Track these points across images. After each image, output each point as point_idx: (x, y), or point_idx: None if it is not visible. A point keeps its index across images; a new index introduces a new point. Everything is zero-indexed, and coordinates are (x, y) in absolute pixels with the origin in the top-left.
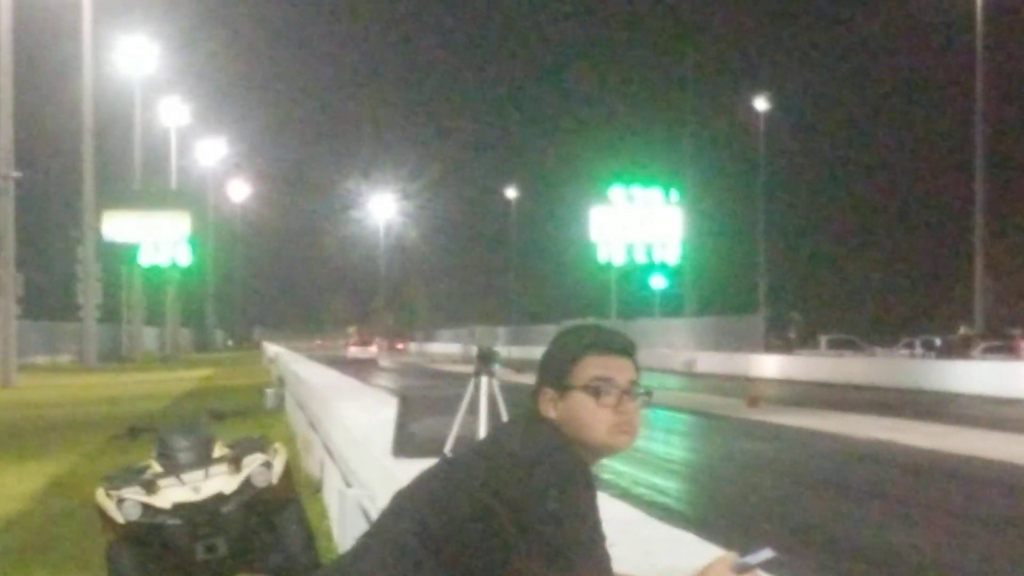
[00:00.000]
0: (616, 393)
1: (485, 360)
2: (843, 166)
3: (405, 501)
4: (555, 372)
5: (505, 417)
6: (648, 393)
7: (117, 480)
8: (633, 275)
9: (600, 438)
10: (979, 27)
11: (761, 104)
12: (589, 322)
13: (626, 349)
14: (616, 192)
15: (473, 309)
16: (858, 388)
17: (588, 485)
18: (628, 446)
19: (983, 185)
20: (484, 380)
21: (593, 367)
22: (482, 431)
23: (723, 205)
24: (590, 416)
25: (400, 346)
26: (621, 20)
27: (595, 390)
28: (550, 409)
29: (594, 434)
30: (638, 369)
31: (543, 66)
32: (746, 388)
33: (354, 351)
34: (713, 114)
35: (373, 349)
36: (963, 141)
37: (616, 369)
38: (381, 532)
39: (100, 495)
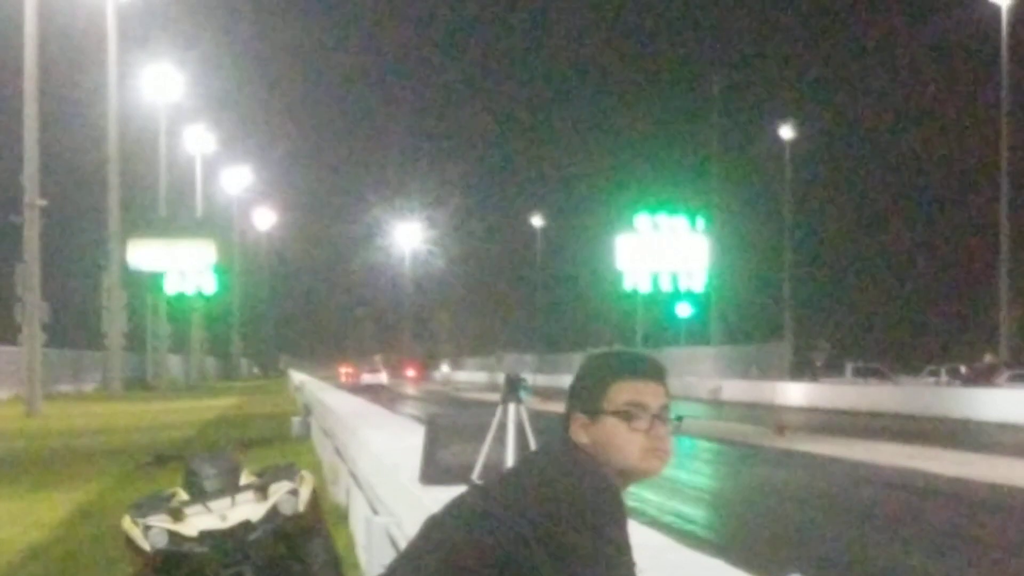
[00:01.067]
0: (648, 418)
1: (512, 387)
2: (869, 194)
3: (435, 529)
4: (586, 397)
5: (533, 444)
6: (679, 419)
7: (144, 508)
8: (659, 303)
9: (632, 463)
10: (1004, 52)
11: (787, 132)
12: (618, 348)
13: (658, 374)
14: (642, 220)
15: (499, 337)
16: (884, 416)
17: (620, 512)
18: (660, 471)
19: (1008, 212)
20: (512, 407)
21: (625, 392)
22: (510, 458)
23: (749, 233)
24: (623, 441)
25: (411, 373)
26: (648, 47)
27: (627, 415)
28: (581, 435)
29: (627, 459)
30: (669, 394)
31: (570, 94)
32: (772, 416)
33: (367, 378)
34: (739, 142)
35: (382, 376)
36: (990, 168)
37: (648, 394)
38: (411, 560)
39: (126, 523)
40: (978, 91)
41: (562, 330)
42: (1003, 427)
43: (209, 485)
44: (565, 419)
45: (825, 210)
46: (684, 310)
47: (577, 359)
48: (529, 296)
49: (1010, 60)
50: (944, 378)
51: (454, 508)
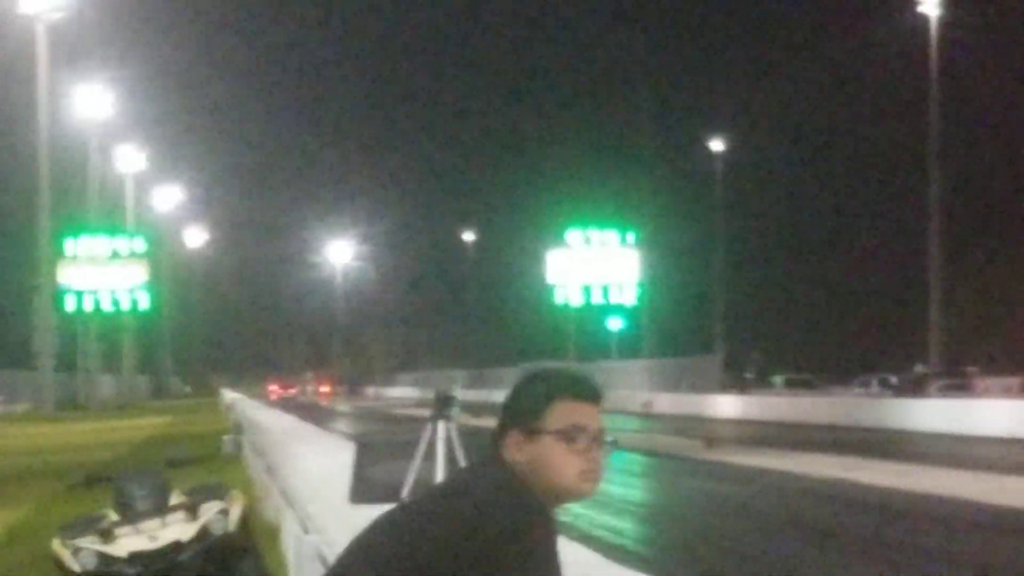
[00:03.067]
0: (587, 440)
1: (442, 404)
2: (799, 206)
3: (362, 548)
4: (524, 415)
5: (463, 461)
6: (614, 441)
7: (73, 529)
8: (590, 317)
9: (568, 484)
10: (934, 62)
11: (717, 145)
12: (555, 364)
13: (597, 395)
14: (573, 234)
15: (431, 353)
16: (815, 427)
17: (551, 532)
18: (593, 493)
19: (938, 224)
20: (441, 425)
21: (566, 412)
22: (439, 475)
23: (680, 246)
24: (561, 461)
25: (324, 389)
26: (578, 63)
27: (568, 436)
28: (515, 452)
29: (563, 480)
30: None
31: (499, 109)
32: (703, 429)
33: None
34: (670, 155)
35: (293, 391)
36: (919, 180)
37: (588, 415)
38: None
39: (56, 545)
40: (909, 96)
41: (495, 345)
42: (934, 437)
43: (139, 505)
44: (497, 435)
45: (755, 222)
46: (615, 323)
47: (509, 374)
48: (460, 311)
49: (939, 71)
50: (875, 388)
51: (380, 526)
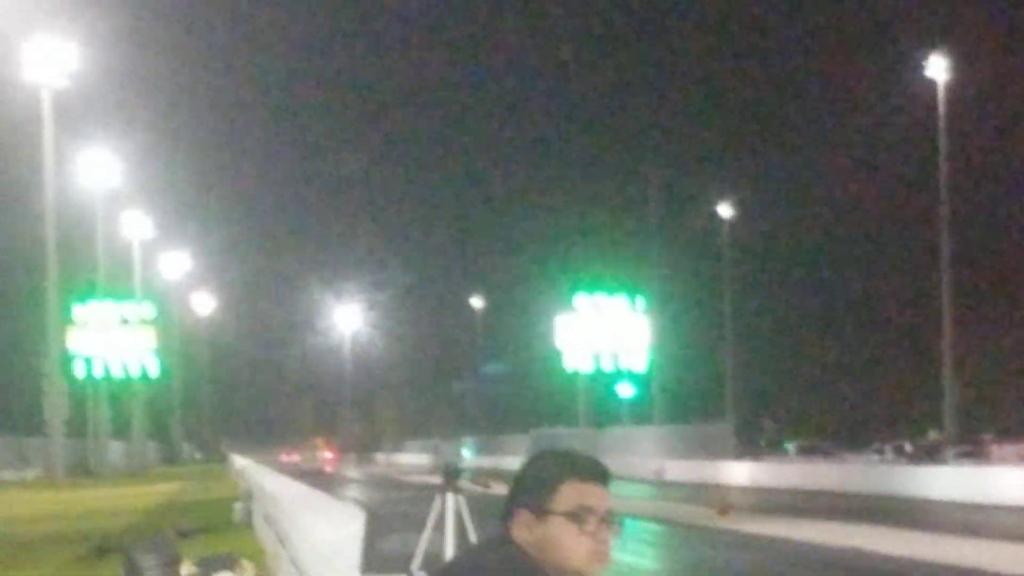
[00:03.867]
0: (596, 521)
1: (451, 476)
2: (810, 272)
3: None
4: (534, 495)
5: (472, 534)
6: (620, 523)
7: None
8: (601, 383)
9: (577, 565)
10: (942, 126)
11: (725, 211)
12: (565, 432)
13: (605, 477)
14: (581, 300)
15: (440, 418)
16: (828, 495)
17: None
18: (601, 573)
19: (951, 289)
20: (450, 497)
21: (576, 494)
22: (448, 548)
23: (690, 312)
24: (571, 542)
25: (328, 456)
26: (589, 127)
27: (578, 517)
28: (524, 532)
29: (571, 561)
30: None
31: (508, 174)
32: (716, 496)
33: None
34: (678, 221)
35: (296, 457)
36: (930, 245)
37: (597, 497)
38: None
39: None
40: (917, 164)
41: (504, 411)
42: (949, 505)
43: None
44: (506, 514)
45: (765, 289)
46: (626, 390)
47: (520, 440)
48: (471, 377)
49: (948, 135)
50: (889, 455)
51: None
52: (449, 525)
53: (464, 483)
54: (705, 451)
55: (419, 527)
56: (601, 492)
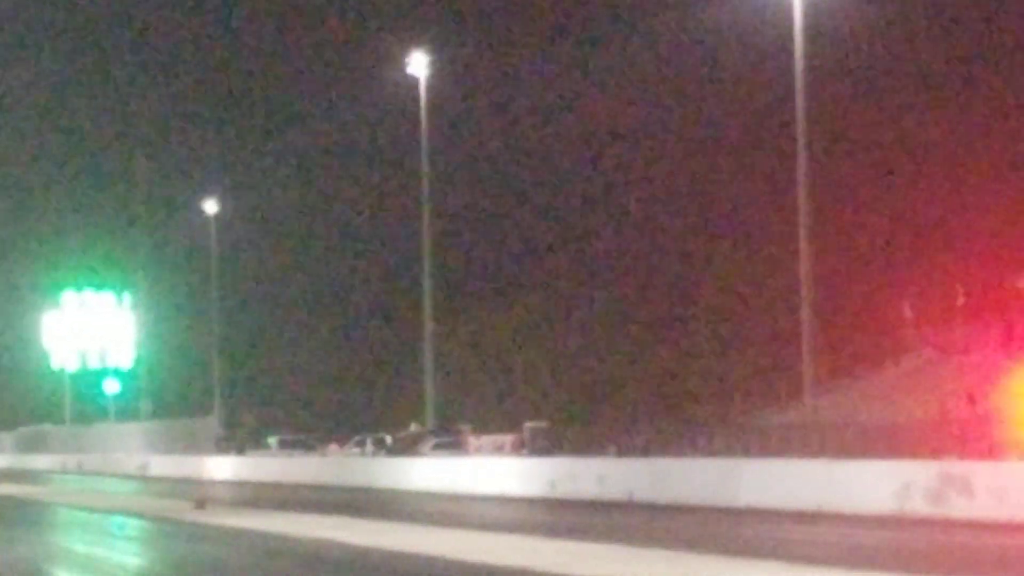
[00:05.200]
0: None
1: None
2: (296, 269)
3: None
4: None
5: None
6: None
7: None
8: (87, 380)
9: None
10: (424, 120)
11: (212, 207)
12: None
13: None
14: (69, 297)
15: None
16: (309, 487)
17: None
18: None
19: (431, 283)
20: None
21: None
22: None
23: (179, 308)
24: None
25: None
26: (72, 126)
27: None
28: None
29: None
30: None
31: None
32: (197, 491)
33: None
34: (166, 218)
35: None
36: (412, 238)
37: None
38: None
39: None
40: (399, 138)
41: None
42: (426, 495)
43: None
44: None
45: (251, 282)
46: (112, 386)
47: (4, 438)
48: None
49: (428, 129)
50: (370, 448)
51: None
52: None
53: None
54: (189, 446)
55: None
56: None
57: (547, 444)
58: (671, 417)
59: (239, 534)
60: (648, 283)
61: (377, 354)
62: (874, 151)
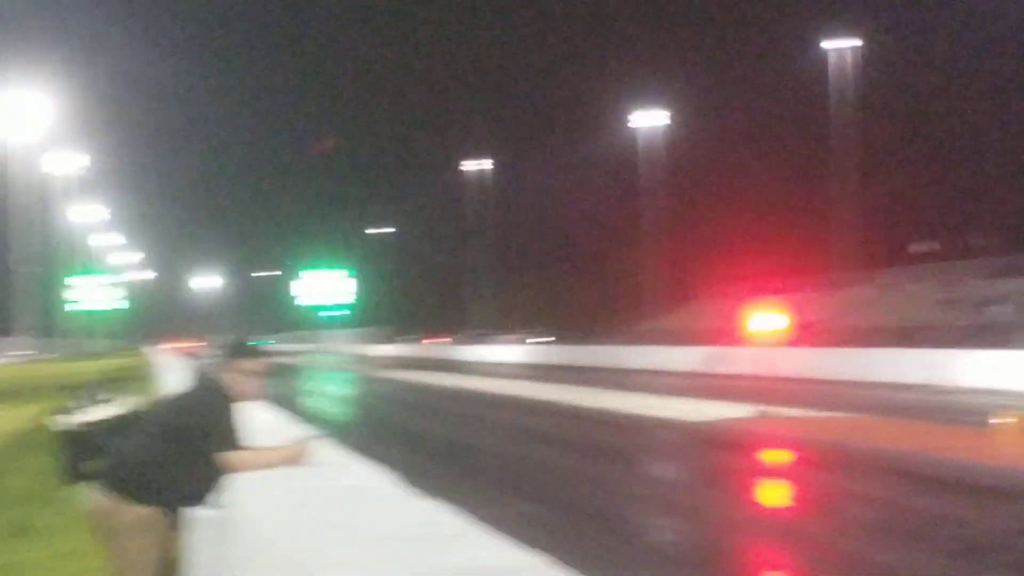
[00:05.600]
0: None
1: None
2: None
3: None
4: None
5: None
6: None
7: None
8: (319, 309)
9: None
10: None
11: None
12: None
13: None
14: (306, 274)
15: None
16: (429, 360)
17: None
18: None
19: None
20: None
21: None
22: None
23: (382, 277)
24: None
25: None
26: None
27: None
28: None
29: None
30: None
31: None
32: (370, 360)
33: None
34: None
35: None
36: None
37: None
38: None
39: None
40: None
41: None
42: (492, 364)
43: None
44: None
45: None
46: (336, 313)
47: (275, 337)
48: None
49: None
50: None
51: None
52: None
53: None
54: (370, 341)
55: None
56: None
57: (537, 340)
58: (596, 324)
59: (389, 381)
60: None
61: None
62: None
